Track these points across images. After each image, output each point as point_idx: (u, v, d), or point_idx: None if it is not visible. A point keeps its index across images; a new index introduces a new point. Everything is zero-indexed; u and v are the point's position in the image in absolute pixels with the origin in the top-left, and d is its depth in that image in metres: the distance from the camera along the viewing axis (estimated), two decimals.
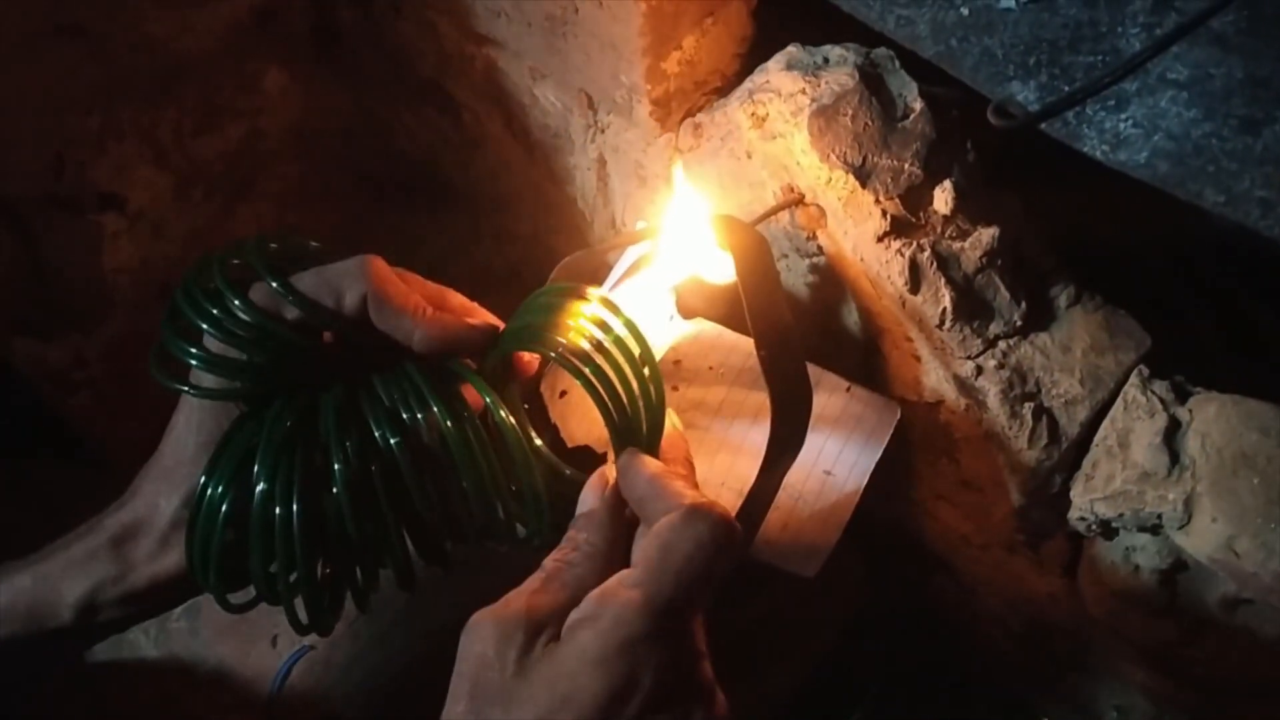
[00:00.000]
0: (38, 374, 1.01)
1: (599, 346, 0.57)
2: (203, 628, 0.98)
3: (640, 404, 0.57)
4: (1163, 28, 0.56)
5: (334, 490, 0.57)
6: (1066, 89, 0.57)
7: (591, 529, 0.55)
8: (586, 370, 0.56)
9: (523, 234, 1.15)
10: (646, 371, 0.57)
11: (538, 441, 0.61)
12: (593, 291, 0.59)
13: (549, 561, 0.54)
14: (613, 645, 0.48)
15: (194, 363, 0.58)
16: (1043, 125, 0.58)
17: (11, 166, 0.91)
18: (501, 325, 0.61)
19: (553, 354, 0.57)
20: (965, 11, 0.61)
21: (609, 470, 0.57)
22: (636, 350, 0.57)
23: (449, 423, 0.57)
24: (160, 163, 1.01)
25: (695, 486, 0.56)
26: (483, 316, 0.62)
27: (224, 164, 1.07)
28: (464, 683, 0.49)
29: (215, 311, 0.58)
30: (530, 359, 0.62)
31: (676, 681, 0.49)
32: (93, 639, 0.64)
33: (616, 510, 0.56)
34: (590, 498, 0.56)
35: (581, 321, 0.58)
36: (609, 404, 0.56)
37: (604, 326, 0.57)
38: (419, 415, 0.58)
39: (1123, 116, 0.56)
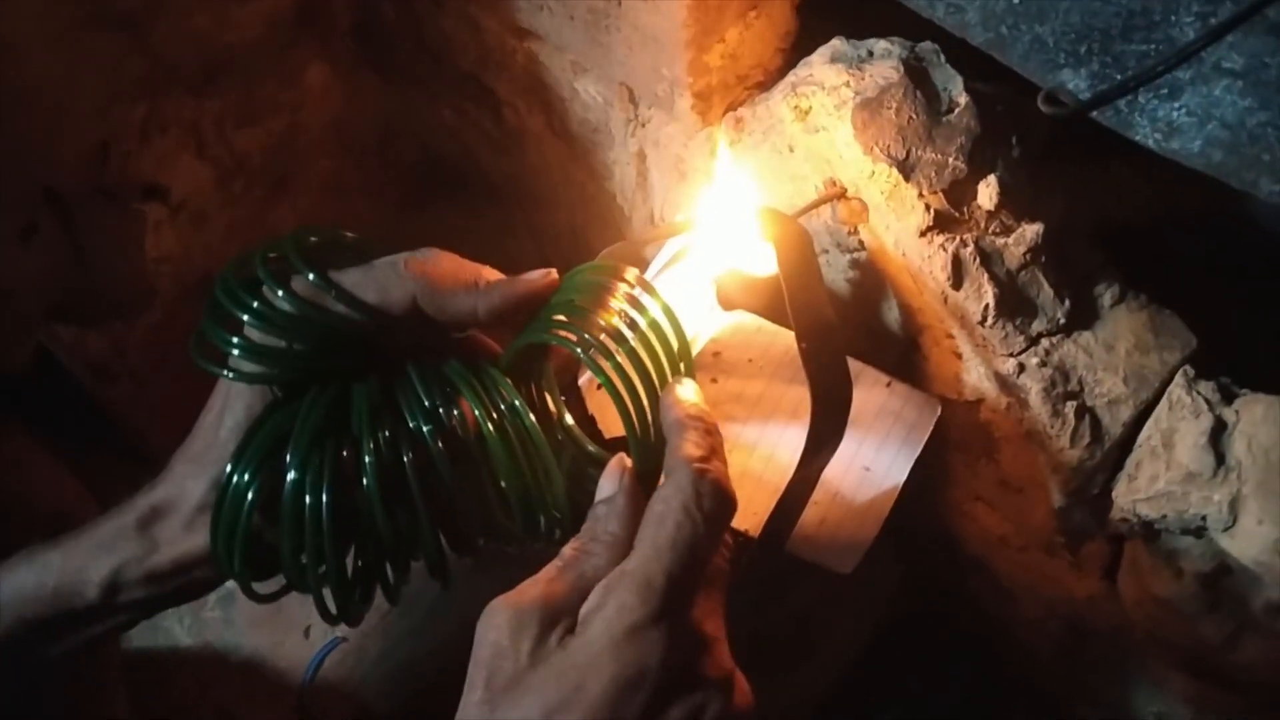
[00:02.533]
0: (78, 362, 1.02)
1: (632, 325, 0.56)
2: (237, 617, 0.99)
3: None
4: (1217, 16, 0.55)
5: (364, 482, 0.57)
6: (1119, 77, 0.56)
7: (610, 517, 0.54)
8: (607, 366, 0.55)
9: (560, 229, 1.15)
10: (678, 350, 0.56)
11: (569, 419, 0.61)
12: (632, 272, 0.58)
13: (567, 550, 0.54)
14: (620, 633, 0.47)
15: (235, 351, 0.58)
16: (1094, 113, 0.57)
17: (58, 156, 0.91)
18: (556, 276, 0.60)
19: (579, 352, 0.56)
20: None
21: (627, 456, 0.57)
22: (672, 337, 0.57)
23: (488, 423, 0.57)
24: (202, 154, 1.02)
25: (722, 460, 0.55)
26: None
27: (265, 157, 1.08)
28: (480, 671, 0.49)
29: (255, 303, 0.58)
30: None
31: (688, 666, 0.49)
32: (120, 621, 0.64)
33: (635, 496, 0.55)
34: (608, 485, 0.56)
35: (614, 304, 0.57)
36: (627, 401, 0.55)
37: (639, 307, 0.57)
38: (454, 410, 0.58)
39: (1176, 105, 0.55)
